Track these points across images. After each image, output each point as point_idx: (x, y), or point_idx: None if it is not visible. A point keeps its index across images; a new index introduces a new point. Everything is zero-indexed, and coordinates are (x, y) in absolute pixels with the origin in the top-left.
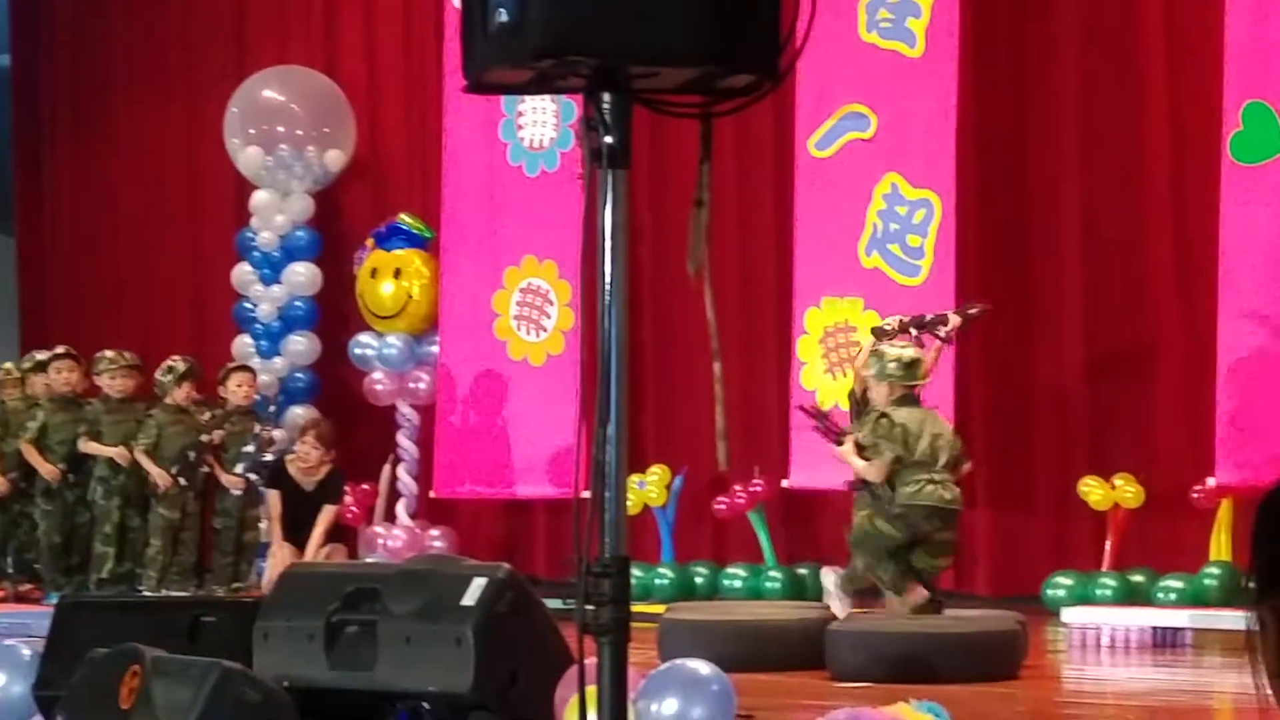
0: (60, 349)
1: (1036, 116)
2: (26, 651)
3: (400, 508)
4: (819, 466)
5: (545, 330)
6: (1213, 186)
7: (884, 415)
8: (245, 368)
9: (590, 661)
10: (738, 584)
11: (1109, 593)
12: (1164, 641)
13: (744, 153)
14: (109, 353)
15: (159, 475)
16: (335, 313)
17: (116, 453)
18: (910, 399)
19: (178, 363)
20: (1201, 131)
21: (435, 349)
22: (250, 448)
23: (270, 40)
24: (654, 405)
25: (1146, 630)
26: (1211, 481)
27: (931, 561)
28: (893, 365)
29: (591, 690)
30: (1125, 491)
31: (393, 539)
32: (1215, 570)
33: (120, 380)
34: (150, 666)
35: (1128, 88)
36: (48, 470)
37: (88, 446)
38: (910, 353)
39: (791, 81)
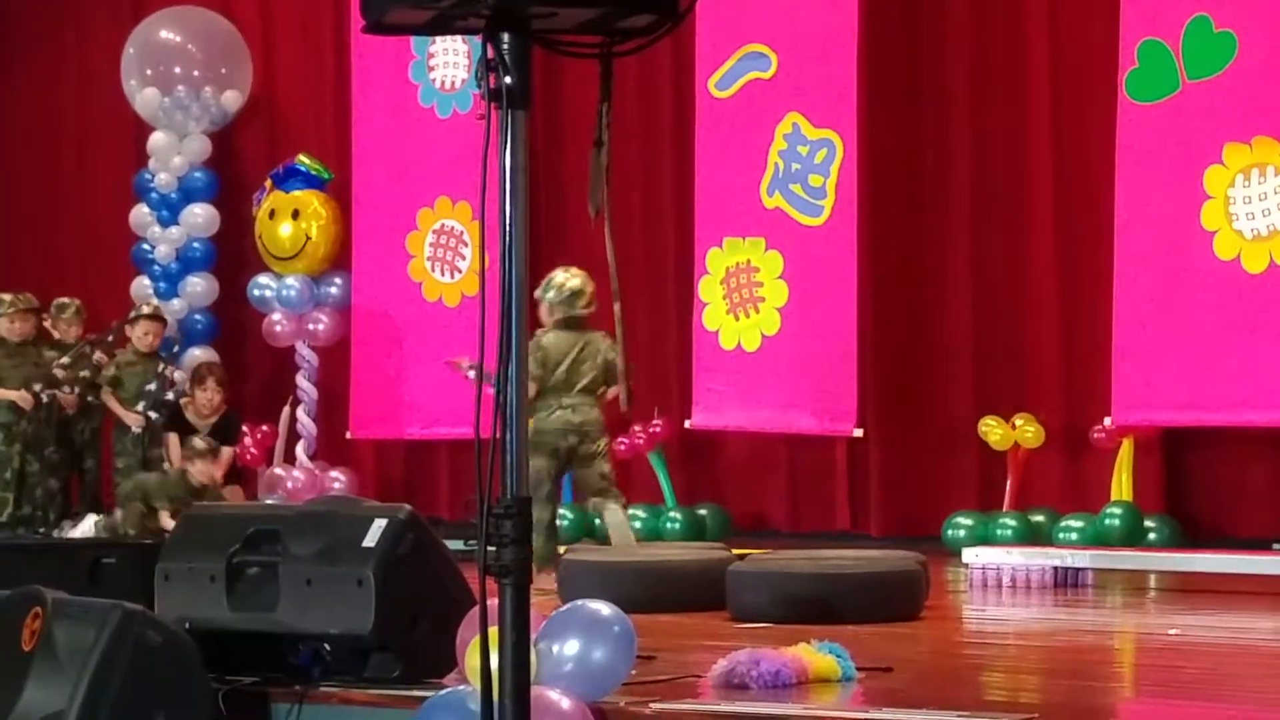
0: None
1: (931, 55)
2: None
3: (300, 449)
4: (721, 407)
5: (460, 271)
6: (1108, 125)
7: (533, 338)
8: (155, 317)
9: (492, 603)
10: (637, 525)
11: (1010, 533)
12: (1065, 581)
13: (645, 93)
14: (7, 295)
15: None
16: (234, 254)
17: (18, 396)
18: (570, 323)
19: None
20: (1097, 69)
21: (334, 290)
22: (152, 386)
23: None
24: None
25: (1048, 570)
26: (1108, 421)
27: (581, 469)
28: (553, 293)
29: (493, 631)
30: (1025, 431)
31: (292, 480)
32: (1117, 510)
33: (19, 324)
34: (51, 608)
35: (1023, 25)
36: None
37: None
38: (576, 283)
39: (691, 21)
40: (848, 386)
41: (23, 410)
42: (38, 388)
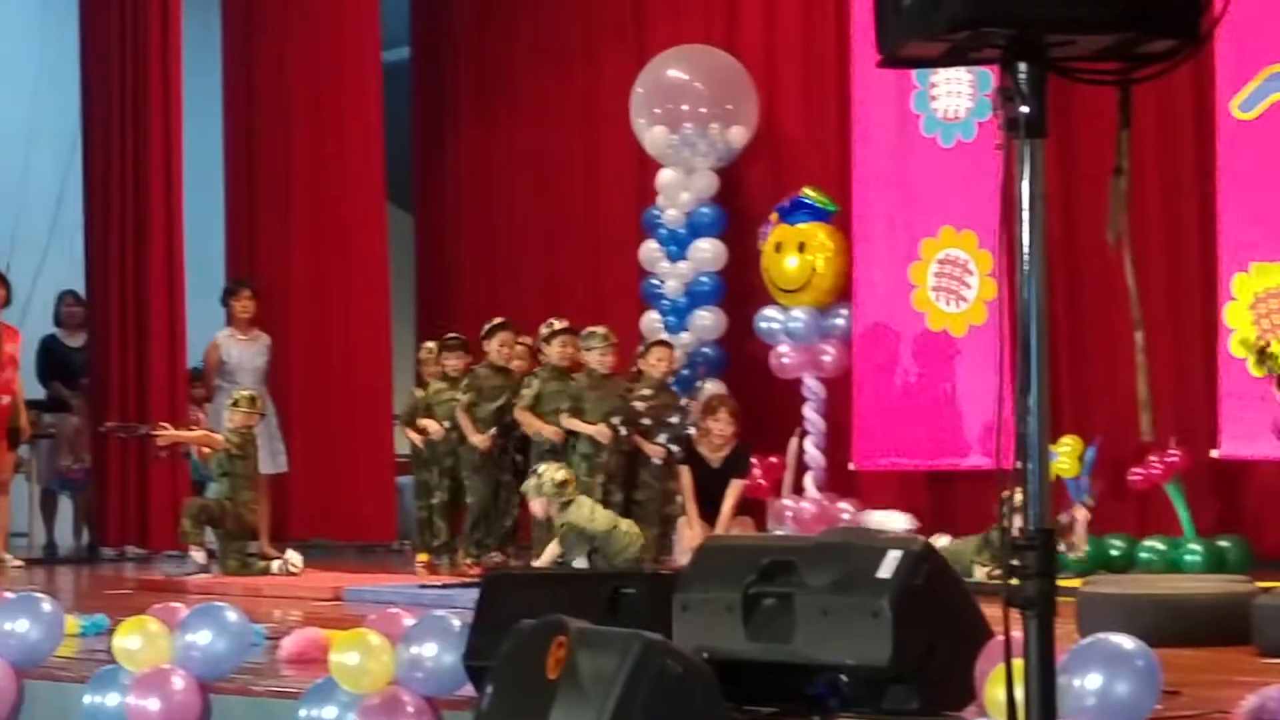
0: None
1: None
2: (456, 623)
3: (808, 480)
4: (1252, 436)
5: (966, 301)
6: None
7: None
8: (664, 343)
9: (1012, 635)
10: (1154, 556)
11: None
12: None
13: (1164, 117)
14: (601, 329)
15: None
16: (740, 287)
17: (596, 431)
18: None
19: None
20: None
21: (840, 321)
22: (674, 419)
23: (667, 18)
24: (1067, 375)
25: None
26: None
27: None
28: None
29: (1015, 664)
30: None
31: (801, 511)
32: None
33: (610, 357)
34: (575, 637)
35: None
36: (480, 440)
37: (570, 423)
38: None
39: (1211, 42)
40: None
41: (602, 443)
42: (616, 421)
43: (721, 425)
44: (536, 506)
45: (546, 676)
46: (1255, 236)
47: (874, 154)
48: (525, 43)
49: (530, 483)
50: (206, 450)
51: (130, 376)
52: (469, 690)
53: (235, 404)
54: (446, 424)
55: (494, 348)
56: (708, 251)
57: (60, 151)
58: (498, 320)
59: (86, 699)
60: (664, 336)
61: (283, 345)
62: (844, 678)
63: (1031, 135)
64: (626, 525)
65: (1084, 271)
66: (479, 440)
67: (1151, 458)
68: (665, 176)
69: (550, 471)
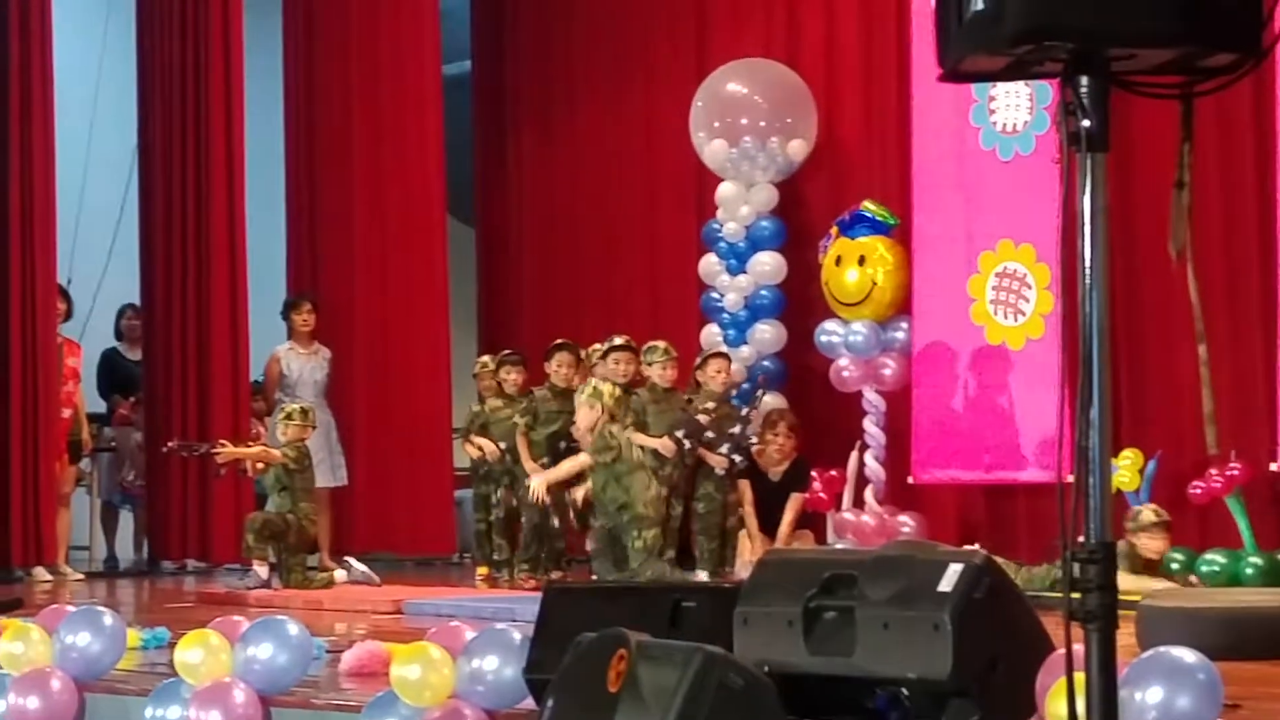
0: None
1: None
2: (516, 636)
3: (869, 493)
4: None
5: (1024, 314)
6: None
7: None
8: (721, 354)
9: (1072, 649)
10: (1214, 569)
11: None
12: None
13: (1225, 130)
14: (661, 343)
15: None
16: (800, 301)
17: (660, 444)
18: None
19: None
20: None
21: (901, 335)
22: (735, 430)
23: (727, 32)
24: (1126, 388)
25: None
26: None
27: None
28: None
29: (1077, 677)
30: None
31: (861, 525)
32: None
33: (670, 371)
34: (636, 650)
35: None
36: (533, 469)
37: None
38: None
39: (1272, 56)
40: None
41: (666, 456)
42: (679, 434)
43: (781, 439)
44: (585, 416)
45: (607, 689)
46: None
47: (933, 167)
48: (585, 57)
49: (586, 391)
50: (260, 465)
51: (191, 391)
52: (530, 703)
53: (288, 417)
54: (502, 444)
55: (553, 369)
56: (768, 265)
57: (121, 161)
58: (558, 341)
59: (148, 712)
60: (721, 348)
61: (343, 359)
62: (905, 691)
63: (1093, 149)
64: (652, 478)
65: (1141, 285)
66: (531, 469)
67: (1212, 471)
68: (725, 190)
69: (609, 387)
